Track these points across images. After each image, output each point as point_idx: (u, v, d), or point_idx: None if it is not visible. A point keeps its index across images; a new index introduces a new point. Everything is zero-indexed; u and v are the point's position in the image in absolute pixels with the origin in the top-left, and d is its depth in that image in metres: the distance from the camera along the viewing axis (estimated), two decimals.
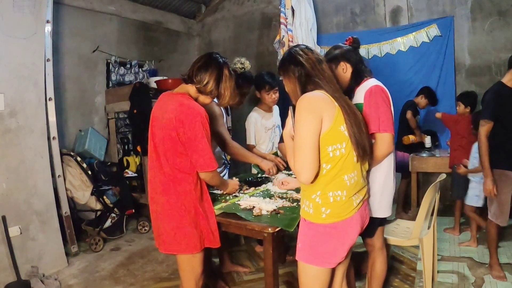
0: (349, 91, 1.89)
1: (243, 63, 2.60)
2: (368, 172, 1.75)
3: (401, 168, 3.66)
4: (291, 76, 1.47)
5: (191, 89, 1.70)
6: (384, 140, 1.69)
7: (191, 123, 1.59)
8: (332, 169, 1.35)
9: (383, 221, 1.90)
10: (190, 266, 1.70)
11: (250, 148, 2.83)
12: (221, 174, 2.49)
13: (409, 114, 3.75)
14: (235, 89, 1.78)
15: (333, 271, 1.49)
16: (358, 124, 1.42)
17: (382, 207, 1.82)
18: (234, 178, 2.36)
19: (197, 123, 1.59)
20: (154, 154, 1.69)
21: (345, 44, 1.89)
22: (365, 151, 1.43)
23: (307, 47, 1.52)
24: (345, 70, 1.83)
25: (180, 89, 1.72)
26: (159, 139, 1.65)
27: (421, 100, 3.86)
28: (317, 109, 1.33)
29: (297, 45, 1.56)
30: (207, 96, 1.72)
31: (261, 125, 2.89)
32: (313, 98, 1.37)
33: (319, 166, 1.34)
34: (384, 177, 1.81)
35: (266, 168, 2.31)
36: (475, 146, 2.97)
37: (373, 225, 1.80)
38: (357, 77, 1.84)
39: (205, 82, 1.66)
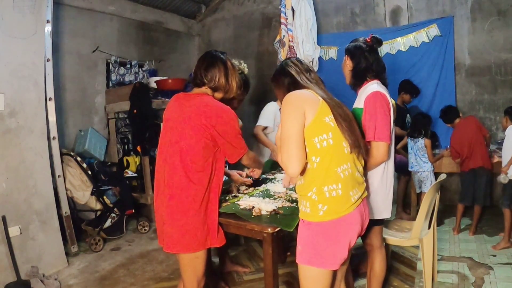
0: (351, 85, 1.93)
1: (239, 68, 2.45)
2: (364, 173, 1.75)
3: (399, 168, 3.68)
4: (281, 86, 1.59)
5: (206, 90, 1.78)
6: (378, 149, 1.70)
7: (225, 118, 1.68)
8: (322, 162, 1.36)
9: (378, 221, 1.90)
10: (193, 266, 1.70)
11: (258, 129, 2.84)
12: None
13: (397, 130, 3.76)
14: (240, 80, 1.87)
15: (334, 273, 1.49)
16: (348, 120, 1.46)
17: (376, 209, 1.83)
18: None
19: (229, 116, 1.70)
20: (168, 154, 1.70)
21: (367, 40, 1.89)
22: (357, 145, 1.44)
23: (297, 59, 1.64)
24: (345, 64, 1.92)
25: (199, 90, 1.79)
26: (180, 139, 1.68)
27: (404, 97, 3.96)
28: (299, 103, 1.39)
29: (289, 58, 1.67)
30: (220, 92, 1.80)
31: (276, 118, 2.88)
32: (296, 94, 1.45)
33: (307, 160, 1.36)
34: (378, 180, 1.81)
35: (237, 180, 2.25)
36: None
37: (369, 225, 1.80)
38: (356, 77, 1.87)
39: (217, 80, 1.75)
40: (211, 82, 1.75)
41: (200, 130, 1.65)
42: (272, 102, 2.98)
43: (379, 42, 1.88)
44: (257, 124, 2.89)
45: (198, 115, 1.66)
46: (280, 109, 2.82)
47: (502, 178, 2.98)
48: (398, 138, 3.67)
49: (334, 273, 1.48)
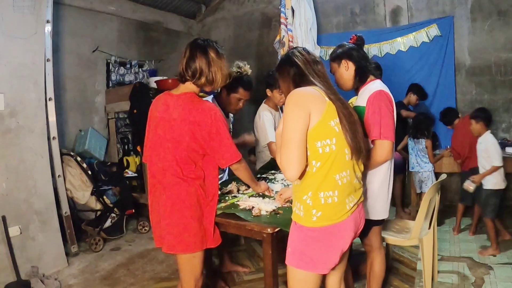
0: (356, 90, 1.90)
1: (240, 67, 2.39)
2: (364, 174, 1.75)
3: (395, 167, 3.68)
4: (286, 76, 1.49)
5: (191, 86, 1.69)
6: (384, 147, 1.69)
7: (209, 121, 1.61)
8: (322, 167, 1.31)
9: (378, 221, 1.90)
10: (190, 266, 1.71)
11: (271, 145, 2.65)
12: (220, 176, 2.48)
13: (404, 112, 3.80)
14: (227, 69, 1.75)
15: (323, 276, 1.47)
16: (352, 122, 1.40)
17: (376, 210, 1.83)
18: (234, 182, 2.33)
19: (215, 119, 1.62)
20: (159, 155, 1.68)
21: (350, 42, 1.89)
22: (359, 150, 1.39)
23: (304, 49, 1.53)
24: (347, 68, 1.84)
25: (183, 89, 1.70)
26: (171, 140, 1.64)
27: (411, 97, 3.95)
28: (305, 103, 1.32)
29: (296, 47, 1.57)
30: (206, 86, 1.71)
31: (273, 123, 2.76)
32: (302, 93, 1.37)
33: (307, 163, 1.32)
34: (381, 180, 1.81)
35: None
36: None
37: (367, 225, 1.80)
38: (361, 76, 1.84)
39: (198, 75, 1.64)
40: (193, 77, 1.64)
41: (186, 132, 1.61)
42: (264, 111, 2.77)
43: (364, 41, 1.89)
44: (267, 142, 2.69)
45: (183, 116, 1.61)
46: (269, 111, 2.79)
47: (470, 185, 2.92)
48: (399, 137, 3.68)
49: (323, 276, 1.46)
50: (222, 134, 1.64)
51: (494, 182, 2.90)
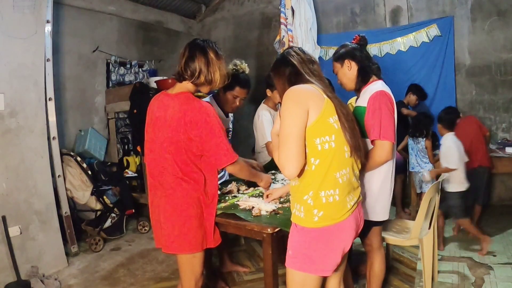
0: (358, 90, 1.90)
1: (237, 65, 2.37)
2: (363, 174, 1.74)
3: (395, 167, 3.69)
4: (281, 76, 1.47)
5: (188, 85, 1.68)
6: (384, 148, 1.68)
7: (203, 121, 1.59)
8: (321, 165, 1.30)
9: (378, 222, 1.89)
10: (190, 266, 1.71)
11: (269, 145, 2.68)
12: (220, 175, 2.48)
13: (405, 111, 3.81)
14: (226, 69, 1.74)
15: (324, 277, 1.45)
16: (350, 120, 1.39)
17: (376, 211, 1.83)
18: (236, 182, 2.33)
19: (209, 119, 1.59)
20: (158, 154, 1.68)
21: (352, 42, 1.88)
22: (358, 148, 1.39)
23: (299, 49, 1.53)
24: (349, 68, 1.84)
25: (179, 89, 1.69)
26: (168, 140, 1.64)
27: (411, 98, 3.96)
28: (303, 100, 1.30)
29: (291, 47, 1.56)
30: (204, 86, 1.70)
31: (272, 122, 2.74)
32: (299, 89, 1.35)
33: (306, 161, 1.30)
34: (381, 181, 1.81)
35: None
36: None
37: (367, 226, 1.80)
38: (364, 76, 1.84)
39: (197, 74, 1.63)
40: (192, 77, 1.63)
41: (182, 132, 1.60)
42: (263, 111, 2.78)
43: (366, 42, 1.89)
44: (266, 142, 2.72)
45: (179, 116, 1.60)
46: (268, 111, 2.79)
47: (426, 177, 3.03)
48: (401, 137, 3.68)
49: (324, 277, 1.45)
50: (217, 135, 1.61)
51: (450, 182, 2.86)
